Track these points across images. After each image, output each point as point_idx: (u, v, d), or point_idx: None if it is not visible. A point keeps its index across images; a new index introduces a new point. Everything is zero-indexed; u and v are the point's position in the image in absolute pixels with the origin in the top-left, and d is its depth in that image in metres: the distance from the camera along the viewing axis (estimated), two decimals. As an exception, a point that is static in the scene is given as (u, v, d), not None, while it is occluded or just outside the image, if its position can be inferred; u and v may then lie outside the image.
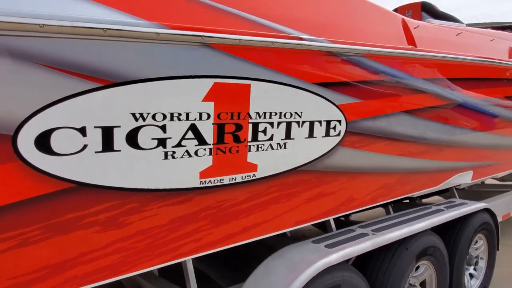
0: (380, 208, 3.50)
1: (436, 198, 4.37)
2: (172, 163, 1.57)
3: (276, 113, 1.82)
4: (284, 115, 1.85)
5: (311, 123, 1.97)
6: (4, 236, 1.28)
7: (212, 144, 1.66)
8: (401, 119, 2.48)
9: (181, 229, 1.70)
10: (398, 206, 3.41)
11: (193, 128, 1.57)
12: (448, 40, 2.84)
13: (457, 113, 2.93)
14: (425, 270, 2.67)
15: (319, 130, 2.02)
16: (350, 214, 3.71)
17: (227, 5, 1.62)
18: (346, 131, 2.15)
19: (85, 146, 1.35)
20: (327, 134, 2.07)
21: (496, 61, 3.18)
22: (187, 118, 1.54)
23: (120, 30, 1.29)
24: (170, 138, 1.53)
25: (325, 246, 2.15)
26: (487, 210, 3.25)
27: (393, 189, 2.69)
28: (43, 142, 1.26)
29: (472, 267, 3.28)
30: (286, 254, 2.09)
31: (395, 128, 2.47)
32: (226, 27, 1.57)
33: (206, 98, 1.57)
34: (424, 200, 3.97)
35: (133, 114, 1.42)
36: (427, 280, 2.72)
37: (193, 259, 2.03)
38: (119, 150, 1.42)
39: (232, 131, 1.70)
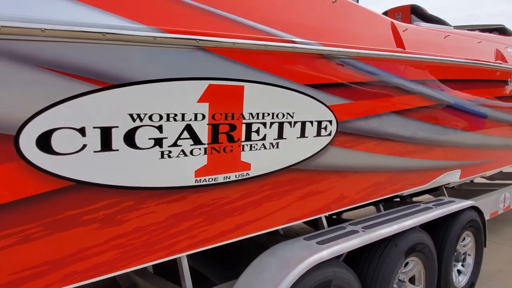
0: (372, 207, 3.58)
1: (426, 196, 4.46)
2: (168, 162, 1.61)
3: (268, 114, 1.87)
4: (277, 116, 1.90)
5: (303, 123, 2.02)
6: (6, 232, 1.31)
7: (207, 144, 1.70)
8: (390, 119, 2.54)
9: (176, 226, 1.75)
10: (389, 204, 3.48)
11: (188, 128, 1.62)
12: (436, 42, 2.91)
13: (445, 114, 2.99)
14: (414, 266, 2.74)
15: (311, 130, 2.07)
16: (342, 213, 3.77)
17: (221, 9, 1.67)
18: (336, 131, 2.20)
19: (84, 146, 1.39)
20: (318, 134, 2.12)
21: (483, 63, 3.26)
22: (183, 119, 1.59)
23: (118, 34, 1.33)
24: (166, 138, 1.57)
25: (317, 243, 2.20)
26: (474, 208, 3.32)
27: (383, 188, 2.75)
28: (44, 142, 1.30)
29: (460, 264, 3.35)
30: (279, 251, 2.13)
31: (385, 128, 2.53)
32: (221, 31, 1.62)
33: (201, 99, 1.61)
34: (414, 199, 4.05)
35: (131, 115, 1.46)
36: (416, 276, 2.79)
37: (188, 258, 2.07)
38: (117, 150, 1.46)
39: (226, 131, 1.75)
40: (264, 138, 1.89)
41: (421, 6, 3.44)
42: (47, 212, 1.38)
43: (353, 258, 2.45)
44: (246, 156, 1.85)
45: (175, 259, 2.09)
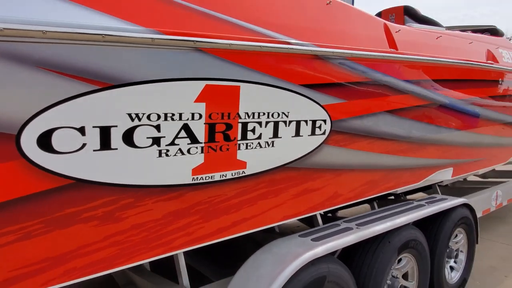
0: (366, 205, 3.63)
1: (420, 194, 4.52)
2: (166, 161, 1.64)
3: (264, 113, 1.90)
4: (272, 115, 1.94)
5: (298, 123, 2.06)
6: (8, 229, 1.34)
7: (204, 143, 1.74)
8: (383, 119, 2.58)
9: (174, 224, 1.78)
10: (383, 202, 3.54)
11: (185, 127, 1.65)
12: (428, 43, 2.97)
13: (437, 113, 3.05)
14: (407, 263, 2.79)
15: (305, 129, 2.11)
16: (337, 211, 3.82)
17: (218, 11, 1.71)
18: (331, 130, 2.24)
19: (84, 145, 1.42)
20: (313, 133, 2.16)
21: (474, 63, 3.32)
22: (180, 118, 1.62)
23: (117, 35, 1.37)
24: (164, 137, 1.61)
25: (312, 239, 2.24)
26: (466, 205, 3.38)
27: (377, 185, 2.80)
28: (45, 141, 1.33)
29: (452, 260, 3.40)
30: (274, 248, 2.17)
31: (378, 127, 2.57)
32: (217, 33, 1.66)
33: (198, 99, 1.65)
34: (408, 197, 4.11)
35: (129, 115, 1.49)
36: (409, 272, 2.83)
37: (184, 256, 2.11)
38: (116, 149, 1.50)
39: (223, 130, 1.78)
40: (259, 137, 1.93)
41: (414, 7, 3.50)
42: (48, 210, 1.41)
43: (347, 255, 2.49)
44: (242, 154, 1.89)
45: (172, 257, 2.12)
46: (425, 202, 3.13)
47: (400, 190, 3.19)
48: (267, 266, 2.03)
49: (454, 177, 3.73)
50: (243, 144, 1.87)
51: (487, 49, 3.66)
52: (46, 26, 1.23)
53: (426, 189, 4.17)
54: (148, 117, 1.54)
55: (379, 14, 3.79)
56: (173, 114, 1.60)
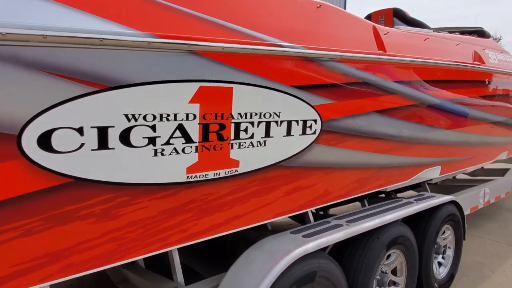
0: (358, 203, 3.71)
1: (410, 192, 4.62)
2: (161, 160, 1.70)
3: (256, 114, 1.96)
4: (264, 115, 2.00)
5: (289, 123, 2.13)
6: (9, 226, 1.39)
7: (198, 142, 1.79)
8: (372, 118, 2.66)
9: (169, 221, 1.83)
10: (374, 200, 3.62)
11: (180, 127, 1.71)
12: (415, 45, 3.05)
13: (425, 112, 3.13)
14: (395, 258, 2.85)
15: (296, 128, 2.18)
16: (328, 209, 3.90)
17: (211, 15, 1.77)
18: (321, 129, 2.30)
19: (82, 145, 1.47)
20: (304, 132, 2.23)
21: (461, 64, 3.41)
22: (175, 119, 1.68)
23: (115, 39, 1.42)
24: (160, 136, 1.66)
25: (303, 236, 2.30)
26: (453, 203, 3.47)
27: (366, 183, 2.88)
28: (44, 141, 1.38)
29: (440, 256, 3.49)
30: (266, 245, 2.21)
31: (367, 126, 2.64)
32: (210, 36, 1.72)
33: (192, 100, 1.70)
34: (398, 195, 4.20)
35: (126, 115, 1.54)
36: (398, 267, 2.90)
37: (178, 253, 2.16)
38: (113, 148, 1.55)
39: (216, 130, 1.84)
40: (252, 137, 1.99)
41: (403, 9, 3.58)
42: (47, 207, 1.46)
43: (338, 251, 2.56)
44: (235, 153, 1.94)
45: (166, 254, 2.17)
46: (414, 200, 3.21)
47: (389, 188, 3.27)
48: (259, 262, 2.06)
49: (442, 175, 3.82)
50: (236, 143, 1.93)
51: (474, 51, 3.76)
52: (46, 30, 1.28)
53: (416, 187, 4.26)
54: (144, 117, 1.59)
55: (369, 16, 3.86)
56: (168, 115, 1.66)
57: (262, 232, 3.01)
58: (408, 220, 3.03)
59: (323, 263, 2.23)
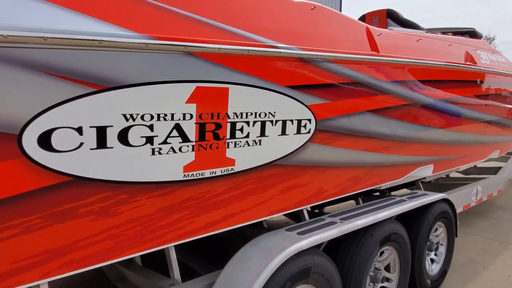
0: (352, 201, 3.76)
1: (404, 191, 4.69)
2: (158, 159, 1.73)
3: (251, 113, 2.00)
4: (259, 115, 2.04)
5: (284, 122, 2.17)
6: (10, 223, 1.43)
7: (195, 141, 1.83)
8: (366, 118, 2.71)
9: (166, 218, 1.87)
10: (368, 198, 3.68)
11: (177, 127, 1.74)
12: (408, 46, 3.10)
13: (417, 112, 3.18)
14: (389, 255, 2.90)
15: (291, 128, 2.22)
16: (323, 207, 3.95)
17: (208, 17, 1.80)
18: (315, 129, 2.35)
19: (81, 144, 1.50)
20: (298, 131, 2.27)
21: (453, 64, 3.47)
22: (172, 118, 1.71)
23: (113, 41, 1.45)
24: (157, 136, 1.69)
25: (297, 233, 2.34)
26: (446, 200, 3.53)
27: (360, 182, 2.93)
28: (45, 140, 1.41)
29: (433, 253, 3.54)
30: (262, 242, 2.24)
31: (361, 126, 2.69)
32: (207, 37, 1.76)
33: (189, 101, 1.74)
34: (393, 193, 4.26)
35: (124, 115, 1.58)
36: (391, 264, 2.95)
37: (176, 251, 2.18)
38: (112, 147, 1.58)
39: (212, 130, 1.88)
40: (247, 136, 2.03)
41: (396, 10, 3.64)
42: (47, 205, 1.50)
43: (333, 248, 2.60)
44: (231, 152, 1.98)
45: (163, 252, 2.20)
46: (407, 198, 3.27)
47: (383, 186, 3.32)
48: (255, 259, 2.10)
49: (435, 174, 3.88)
50: (232, 142, 1.97)
51: (466, 51, 3.83)
52: (46, 32, 1.31)
53: (410, 185, 4.32)
54: (142, 117, 1.63)
55: (363, 17, 3.92)
56: (165, 115, 1.69)
57: (258, 230, 3.06)
58: (401, 218, 3.08)
59: (317, 259, 2.27)
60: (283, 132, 2.18)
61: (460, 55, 3.74)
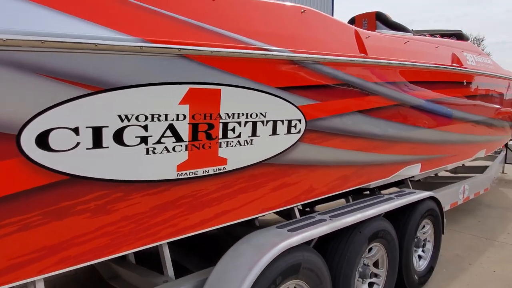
0: (343, 200, 3.84)
1: (393, 189, 4.79)
2: (152, 158, 1.78)
3: (243, 114, 2.06)
4: (251, 115, 2.10)
5: (274, 122, 2.23)
6: (9, 221, 1.47)
7: (188, 141, 1.88)
8: (355, 118, 2.78)
9: (160, 216, 1.92)
10: (358, 197, 3.75)
11: (171, 127, 1.79)
12: (396, 48, 3.18)
13: (405, 112, 3.26)
14: (377, 251, 2.98)
15: (282, 128, 2.28)
16: (314, 206, 4.02)
17: (200, 21, 1.86)
18: (305, 129, 2.41)
19: (78, 144, 1.55)
20: (289, 131, 2.33)
21: (439, 66, 3.56)
22: (166, 119, 1.76)
23: (109, 44, 1.50)
24: (151, 136, 1.74)
25: (288, 230, 2.39)
26: (432, 198, 3.62)
27: (349, 180, 3.00)
28: (42, 140, 1.45)
29: (420, 249, 3.64)
30: (253, 239, 2.30)
31: (350, 126, 2.76)
32: (200, 40, 1.81)
33: (182, 102, 1.79)
34: (382, 192, 4.34)
35: (119, 116, 1.63)
36: (379, 260, 3.03)
37: (169, 250, 2.22)
38: (107, 147, 1.63)
39: (205, 130, 1.93)
40: (239, 136, 2.08)
41: (385, 13, 3.72)
42: (45, 203, 1.54)
43: (323, 245, 2.67)
44: (223, 152, 2.04)
45: (156, 250, 2.25)
46: (395, 196, 3.36)
47: (372, 184, 3.40)
48: (247, 255, 2.15)
49: (423, 172, 3.97)
50: (224, 142, 2.02)
51: (452, 53, 3.93)
52: (44, 36, 1.36)
53: (399, 184, 4.41)
54: (137, 118, 1.68)
55: (353, 19, 4.00)
56: (159, 115, 1.74)
57: (250, 228, 3.11)
58: (389, 215, 3.17)
59: (307, 255, 2.34)
60: (274, 132, 2.24)
61: (446, 57, 3.84)
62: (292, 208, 2.85)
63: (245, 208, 2.30)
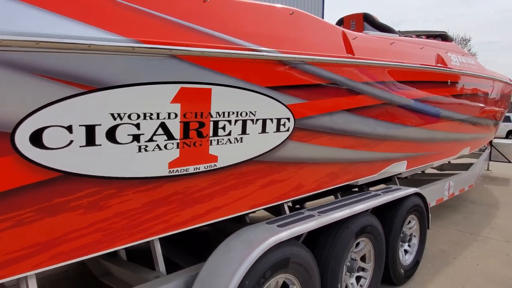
0: (332, 197, 3.92)
1: (381, 186, 4.89)
2: (145, 155, 1.82)
3: (233, 112, 2.11)
4: (240, 114, 2.15)
5: (264, 121, 2.28)
6: (3, 217, 1.50)
7: (179, 139, 1.93)
8: (342, 117, 2.85)
9: (152, 212, 1.97)
10: (346, 193, 3.84)
11: (163, 125, 1.83)
12: (382, 48, 3.26)
13: (391, 111, 3.34)
14: (364, 246, 3.06)
15: (271, 126, 2.34)
16: (304, 202, 4.10)
17: (191, 22, 1.90)
18: (294, 127, 2.47)
19: (71, 141, 1.58)
20: (278, 129, 2.39)
21: (424, 66, 3.66)
22: (158, 117, 1.81)
23: (102, 45, 1.54)
24: (143, 134, 1.78)
25: (277, 226, 2.45)
26: (418, 195, 3.72)
27: (337, 177, 3.08)
28: (36, 138, 1.49)
29: (406, 244, 3.73)
30: (243, 234, 2.35)
31: (337, 124, 2.82)
32: (191, 41, 1.85)
33: (174, 101, 1.83)
34: (371, 189, 4.43)
35: (112, 114, 1.66)
36: (366, 255, 3.12)
37: (161, 247, 2.26)
38: (100, 145, 1.66)
39: (196, 128, 1.97)
40: (229, 134, 2.13)
41: (372, 14, 3.80)
42: (39, 199, 1.57)
43: (312, 240, 2.74)
44: (213, 149, 2.08)
45: (148, 248, 2.29)
46: (382, 192, 3.44)
47: (360, 181, 3.48)
48: (237, 250, 2.19)
49: (409, 169, 4.07)
50: (214, 140, 2.07)
51: (437, 53, 4.03)
52: (38, 37, 1.39)
53: (387, 181, 4.51)
54: (129, 116, 1.71)
55: (341, 20, 4.07)
56: (151, 114, 1.78)
57: (241, 225, 3.17)
58: (376, 211, 3.25)
59: (296, 250, 2.40)
60: (263, 130, 2.30)
61: (431, 57, 3.93)
62: (282, 205, 2.92)
63: (236, 204, 2.35)
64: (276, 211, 3.17)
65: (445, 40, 4.80)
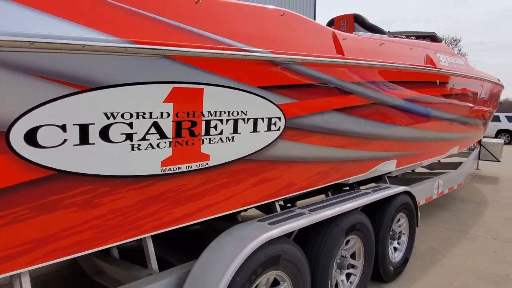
0: (323, 195, 3.98)
1: (372, 185, 4.96)
2: (137, 154, 1.85)
3: (225, 112, 2.15)
4: (232, 113, 2.19)
5: (255, 120, 2.32)
6: (-2, 214, 1.53)
7: (172, 138, 1.96)
8: (332, 116, 2.90)
9: (145, 210, 2.00)
10: (337, 192, 3.90)
11: (155, 124, 1.86)
12: (372, 49, 3.32)
13: (380, 110, 3.40)
14: (354, 244, 3.12)
15: (262, 125, 2.38)
16: (295, 201, 4.15)
17: (183, 23, 1.94)
18: (285, 126, 2.51)
19: (65, 140, 1.61)
20: (269, 129, 2.43)
21: (412, 66, 3.73)
22: (151, 117, 1.84)
23: (95, 45, 1.57)
24: (136, 133, 1.81)
25: (268, 223, 2.49)
26: (407, 193, 3.79)
27: (328, 176, 3.13)
28: (31, 137, 1.51)
29: (395, 241, 3.80)
30: (235, 232, 2.39)
31: (328, 123, 2.87)
32: (183, 42, 1.89)
33: (166, 100, 1.86)
34: (362, 187, 4.49)
35: (105, 114, 1.69)
36: (356, 252, 3.17)
37: (153, 246, 2.29)
38: (94, 144, 1.69)
39: (188, 127, 2.00)
40: (221, 133, 2.17)
41: (362, 15, 3.86)
42: (33, 197, 1.60)
43: (302, 238, 2.79)
44: (205, 148, 2.12)
45: (140, 246, 2.32)
46: (371, 190, 3.51)
47: (351, 180, 3.53)
48: (229, 247, 2.23)
49: (399, 168, 4.14)
50: (206, 139, 2.11)
51: (426, 54, 4.10)
52: (33, 37, 1.42)
53: (377, 180, 4.58)
54: (122, 115, 1.74)
55: (332, 21, 4.13)
56: (144, 113, 1.81)
57: (233, 223, 3.20)
58: (366, 209, 3.31)
59: (286, 247, 2.44)
60: (255, 129, 2.34)
61: (420, 58, 4.01)
62: (274, 203, 2.96)
63: (227, 202, 2.39)
64: (268, 209, 3.22)
65: (434, 40, 4.88)
